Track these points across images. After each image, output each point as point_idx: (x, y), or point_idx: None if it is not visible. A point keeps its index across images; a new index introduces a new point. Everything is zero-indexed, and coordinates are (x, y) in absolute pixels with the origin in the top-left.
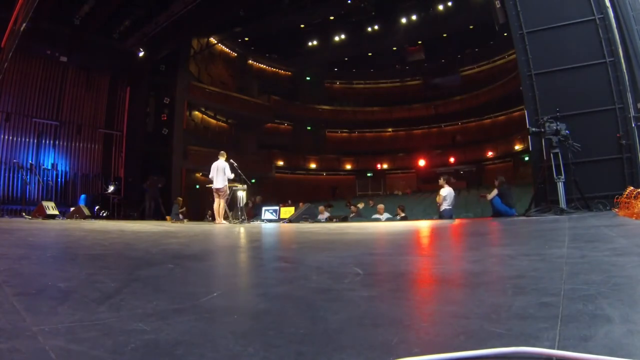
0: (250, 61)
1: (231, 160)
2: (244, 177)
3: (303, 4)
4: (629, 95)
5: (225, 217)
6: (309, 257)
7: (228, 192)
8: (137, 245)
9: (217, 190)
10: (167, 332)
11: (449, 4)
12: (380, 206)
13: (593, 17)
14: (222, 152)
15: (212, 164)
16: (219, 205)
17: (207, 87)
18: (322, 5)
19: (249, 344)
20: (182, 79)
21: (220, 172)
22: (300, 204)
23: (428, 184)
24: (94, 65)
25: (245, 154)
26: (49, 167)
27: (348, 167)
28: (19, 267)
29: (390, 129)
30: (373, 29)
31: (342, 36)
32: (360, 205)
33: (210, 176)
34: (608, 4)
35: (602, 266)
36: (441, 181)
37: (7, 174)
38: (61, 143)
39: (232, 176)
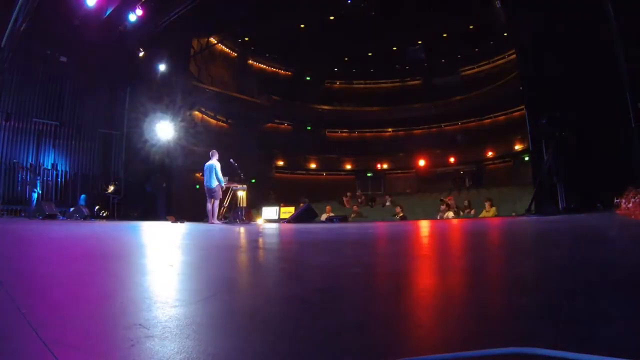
0: (250, 61)
1: (231, 160)
2: (243, 177)
3: (303, 3)
4: (628, 95)
5: (225, 217)
6: (309, 257)
7: (219, 192)
8: (136, 245)
9: (209, 190)
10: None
11: (450, 4)
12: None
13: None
14: (212, 151)
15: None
16: (212, 205)
17: (207, 87)
18: (322, 5)
19: (249, 344)
20: (182, 79)
21: (211, 172)
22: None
23: (428, 184)
24: (94, 65)
25: (245, 154)
26: (49, 167)
27: (348, 167)
28: (19, 267)
29: (390, 129)
30: (373, 29)
31: (342, 36)
32: None
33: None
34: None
35: (601, 266)
36: None
37: (7, 174)
38: (61, 143)
39: (220, 177)
